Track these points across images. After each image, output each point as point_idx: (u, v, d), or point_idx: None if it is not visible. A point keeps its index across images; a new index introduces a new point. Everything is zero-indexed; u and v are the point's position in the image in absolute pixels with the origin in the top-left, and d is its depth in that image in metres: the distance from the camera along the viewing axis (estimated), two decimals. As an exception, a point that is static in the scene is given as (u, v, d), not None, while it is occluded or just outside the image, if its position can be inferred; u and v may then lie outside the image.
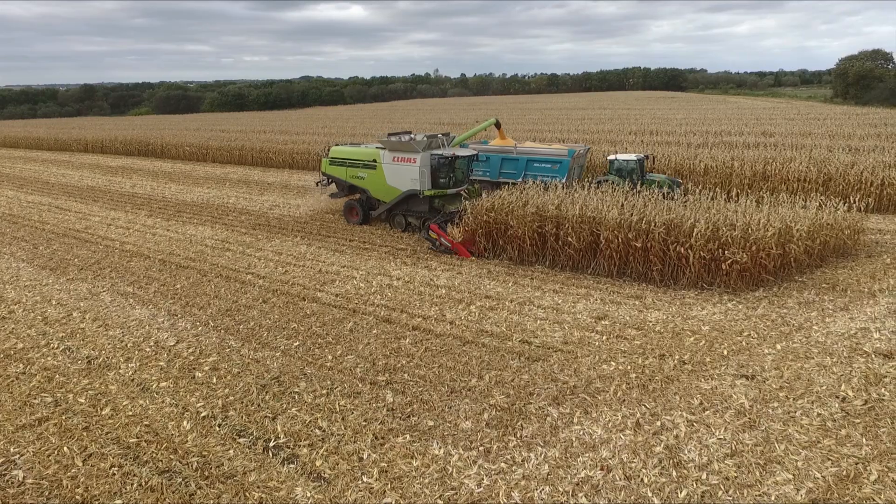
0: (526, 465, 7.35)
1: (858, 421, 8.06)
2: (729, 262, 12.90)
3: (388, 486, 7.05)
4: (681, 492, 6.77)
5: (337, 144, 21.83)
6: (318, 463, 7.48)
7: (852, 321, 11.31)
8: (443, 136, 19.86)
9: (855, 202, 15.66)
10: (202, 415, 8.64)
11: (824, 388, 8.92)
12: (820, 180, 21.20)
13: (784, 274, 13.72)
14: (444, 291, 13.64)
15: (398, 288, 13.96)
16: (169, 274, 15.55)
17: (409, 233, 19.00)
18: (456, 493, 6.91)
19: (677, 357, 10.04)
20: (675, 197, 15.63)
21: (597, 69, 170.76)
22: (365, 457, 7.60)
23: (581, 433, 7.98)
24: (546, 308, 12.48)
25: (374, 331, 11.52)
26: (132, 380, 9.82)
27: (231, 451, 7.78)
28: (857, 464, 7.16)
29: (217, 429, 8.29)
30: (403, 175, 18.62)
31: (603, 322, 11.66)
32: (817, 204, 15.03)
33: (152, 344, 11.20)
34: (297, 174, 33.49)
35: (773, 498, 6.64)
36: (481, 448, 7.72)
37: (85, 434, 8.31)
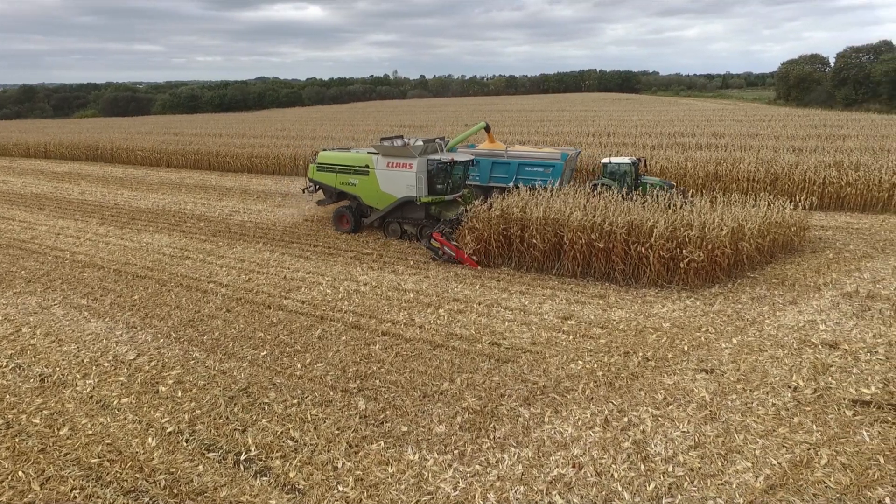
0: (500, 467, 7.47)
1: (809, 409, 8.53)
2: (686, 260, 13.41)
3: (364, 494, 7.04)
4: (649, 485, 7.02)
5: (325, 149, 20.92)
6: (291, 474, 7.39)
7: (800, 314, 11.93)
8: (439, 140, 19.50)
9: (800, 201, 16.50)
10: (168, 430, 8.40)
11: (777, 378, 9.39)
12: (767, 180, 22.25)
13: (737, 270, 14.35)
14: (412, 296, 13.66)
15: (366, 293, 13.90)
16: (125, 284, 15.01)
17: (405, 241, 18.47)
18: (433, 498, 6.96)
19: (641, 354, 10.37)
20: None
21: (553, 71, 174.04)
22: (339, 466, 7.56)
23: (552, 432, 8.16)
24: (513, 309, 12.67)
25: (344, 337, 11.44)
26: (91, 397, 9.45)
27: (200, 467, 7.60)
28: (809, 449, 7.58)
29: (184, 444, 8.08)
30: (398, 181, 18.02)
31: (569, 322, 11.92)
32: (766, 203, 15.76)
33: (111, 358, 10.81)
34: (256, 178, 32.85)
35: (734, 486, 6.96)
36: (456, 451, 7.80)
37: (41, 456, 7.95)
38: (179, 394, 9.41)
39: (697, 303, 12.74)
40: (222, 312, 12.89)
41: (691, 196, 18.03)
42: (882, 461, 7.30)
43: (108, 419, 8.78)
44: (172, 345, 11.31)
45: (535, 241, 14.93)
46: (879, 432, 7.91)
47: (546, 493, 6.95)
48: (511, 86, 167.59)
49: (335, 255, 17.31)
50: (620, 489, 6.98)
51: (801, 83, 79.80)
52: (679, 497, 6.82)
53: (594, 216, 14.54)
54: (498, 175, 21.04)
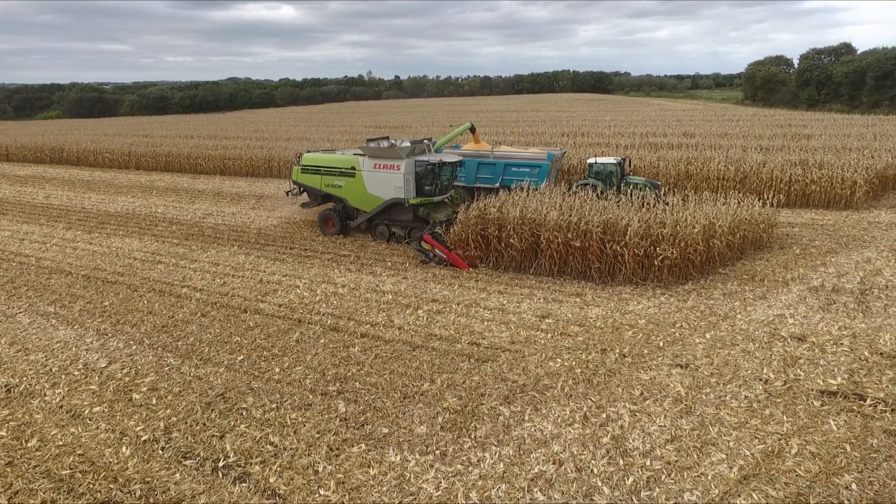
0: (482, 465, 7.50)
1: (779, 400, 8.78)
2: (660, 258, 13.67)
3: (346, 497, 6.99)
4: (628, 479, 7.13)
5: (309, 151, 20.58)
6: (271, 480, 7.30)
7: (770, 308, 12.27)
8: (427, 141, 19.25)
9: (768, 198, 16.97)
10: (143, 439, 8.22)
11: (749, 372, 9.64)
12: (737, 178, 22.82)
13: (709, 267, 14.68)
14: (390, 297, 13.63)
15: (344, 295, 13.81)
16: (95, 290, 14.63)
17: (383, 242, 18.34)
18: (415, 499, 6.96)
19: (618, 350, 10.54)
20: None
21: (527, 72, 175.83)
22: (320, 469, 7.50)
23: (533, 430, 8.23)
24: (492, 309, 12.74)
25: (322, 340, 11.35)
26: (60, 407, 9.18)
27: (177, 475, 7.45)
28: (780, 440, 7.80)
29: (160, 452, 7.92)
30: (386, 183, 17.78)
31: (547, 320, 12.04)
32: (736, 201, 16.16)
33: (81, 367, 10.52)
34: (229, 181, 32.35)
35: (709, 477, 7.13)
36: (437, 452, 7.81)
37: (9, 470, 7.69)
38: (154, 401, 9.21)
39: (672, 299, 13.00)
40: (197, 317, 12.67)
41: (664, 195, 18.41)
42: (848, 449, 7.56)
43: (80, 429, 8.54)
44: (146, 351, 11.06)
45: (512, 240, 15.03)
46: (846, 421, 8.18)
47: (528, 491, 7.01)
48: (486, 86, 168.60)
49: (312, 257, 17.15)
50: (600, 484, 7.08)
51: (767, 84, 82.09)
52: (657, 490, 6.95)
53: (570, 215, 14.72)
54: (484, 176, 20.89)
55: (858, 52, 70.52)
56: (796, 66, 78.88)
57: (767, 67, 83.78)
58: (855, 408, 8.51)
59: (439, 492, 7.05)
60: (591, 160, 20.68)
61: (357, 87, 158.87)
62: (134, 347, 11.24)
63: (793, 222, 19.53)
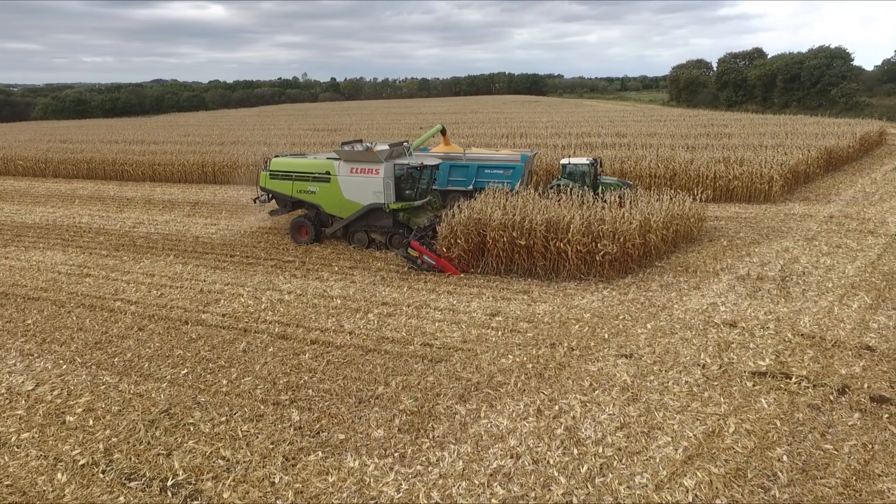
0: (441, 465, 7.56)
1: (716, 383, 9.35)
2: (601, 253, 14.20)
3: (306, 506, 6.86)
4: (582, 467, 7.40)
5: (277, 156, 19.60)
6: (225, 495, 7.05)
7: (703, 298, 13.03)
8: (407, 143, 18.64)
9: (698, 194, 17.98)
10: (80, 463, 7.73)
11: (688, 358, 10.21)
12: (667, 175, 24.02)
13: (646, 261, 15.39)
14: (339, 302, 13.44)
15: (290, 302, 13.50)
16: (14, 308, 13.58)
17: (374, 250, 17.58)
18: (376, 502, 6.92)
19: (566, 344, 10.88)
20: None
21: (464, 74, 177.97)
22: (277, 480, 7.31)
23: (489, 426, 8.37)
24: (443, 310, 12.82)
25: (270, 349, 11.05)
26: (-17, 435, 8.48)
27: (121, 498, 7.07)
28: (718, 420, 8.32)
29: (101, 476, 7.48)
30: (364, 188, 17.08)
31: (497, 318, 12.25)
32: (668, 197, 17.01)
33: (3, 391, 9.76)
34: (160, 187, 30.83)
35: (658, 460, 7.50)
36: (396, 454, 7.80)
37: (-73, 506, 7.05)
38: (91, 422, 8.68)
39: (614, 293, 13.54)
40: (133, 331, 12.02)
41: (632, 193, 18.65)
42: (778, 424, 8.16)
43: (7, 457, 7.94)
44: (78, 370, 10.39)
45: (459, 241, 15.17)
46: (775, 399, 8.83)
47: (488, 486, 7.12)
48: (424, 88, 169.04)
49: (254, 264, 16.64)
50: (556, 474, 7.30)
51: (690, 86, 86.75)
52: (610, 476, 7.24)
53: (514, 215, 15.03)
54: (456, 178, 20.39)
55: (769, 56, 75.86)
56: (715, 68, 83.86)
57: (689, 70, 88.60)
58: (782, 386, 9.20)
59: (400, 494, 7.05)
60: (565, 160, 20.46)
61: (292, 89, 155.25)
62: (64, 367, 10.53)
63: (719, 216, 20.77)
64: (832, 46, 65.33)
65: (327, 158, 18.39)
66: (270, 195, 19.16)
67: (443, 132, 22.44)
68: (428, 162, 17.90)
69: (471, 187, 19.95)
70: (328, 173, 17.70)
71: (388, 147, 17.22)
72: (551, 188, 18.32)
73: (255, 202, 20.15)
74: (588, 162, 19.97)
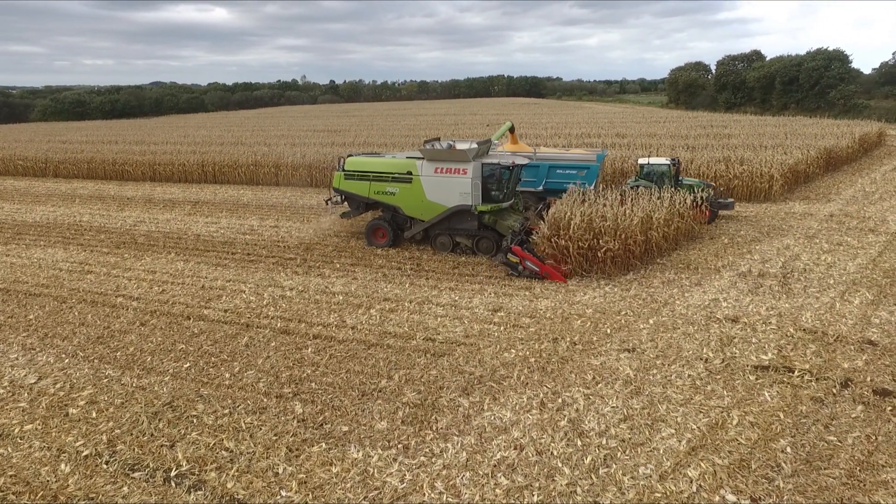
0: (445, 456, 7.55)
1: (719, 377, 9.36)
2: (603, 249, 14.22)
3: (310, 496, 6.85)
4: (586, 458, 7.39)
5: (351, 155, 18.61)
6: (229, 485, 7.04)
7: (705, 294, 13.04)
8: (496, 142, 17.48)
9: (698, 192, 18.00)
10: (84, 454, 7.71)
11: (690, 352, 10.21)
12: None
13: (648, 258, 15.40)
14: (341, 298, 13.44)
15: (292, 298, 13.49)
16: (16, 304, 13.56)
17: (458, 254, 16.59)
18: (380, 493, 6.91)
19: (569, 339, 10.88)
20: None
21: (464, 77, 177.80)
22: (280, 471, 7.30)
23: (492, 418, 8.36)
24: (444, 305, 12.83)
25: (273, 343, 11.05)
26: (-15, 427, 8.46)
27: (125, 489, 7.05)
28: (722, 412, 8.32)
29: (105, 466, 7.46)
30: (450, 188, 16.04)
31: (499, 313, 12.26)
32: (670, 195, 17.02)
33: (6, 384, 9.73)
34: (161, 187, 30.84)
35: (661, 451, 7.50)
36: (400, 445, 7.79)
37: (-70, 497, 7.03)
38: (94, 414, 8.66)
39: (615, 289, 13.55)
40: (136, 327, 12.01)
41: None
42: (782, 416, 8.17)
43: (10, 449, 7.91)
44: (80, 364, 10.37)
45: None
46: (778, 392, 8.83)
47: (491, 476, 7.12)
48: (423, 91, 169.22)
49: (256, 261, 16.64)
50: (560, 465, 7.30)
51: (689, 88, 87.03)
52: (614, 466, 7.24)
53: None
54: (525, 179, 19.11)
55: (767, 59, 76.10)
56: (714, 71, 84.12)
57: (688, 73, 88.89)
58: (785, 379, 9.20)
59: (404, 484, 7.04)
60: (643, 160, 19.62)
61: (291, 91, 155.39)
62: (66, 361, 10.51)
63: (720, 214, 20.78)
64: (830, 49, 65.52)
65: (408, 157, 17.41)
66: (344, 196, 18.18)
67: (511, 130, 21.35)
68: (519, 161, 16.81)
69: (540, 188, 19.04)
70: (410, 173, 16.66)
71: (476, 145, 16.42)
72: (630, 189, 17.38)
73: (326, 203, 19.32)
74: (668, 162, 19.15)
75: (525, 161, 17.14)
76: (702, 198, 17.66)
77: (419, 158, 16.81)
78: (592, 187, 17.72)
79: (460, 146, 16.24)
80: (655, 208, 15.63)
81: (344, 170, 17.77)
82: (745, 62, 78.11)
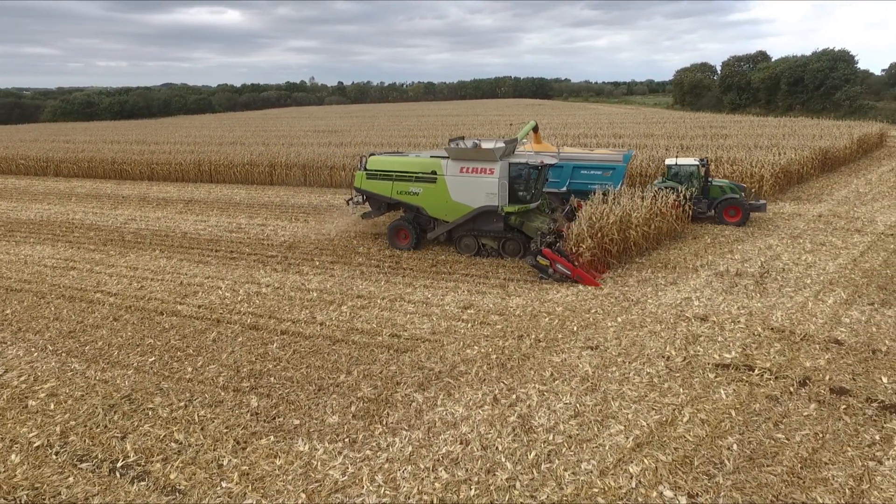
0: (391, 450, 7.58)
1: (678, 375, 9.31)
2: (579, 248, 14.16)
3: (249, 487, 6.91)
4: (530, 454, 7.39)
5: (373, 154, 18.20)
6: (172, 476, 7.11)
7: (679, 293, 12.97)
8: (525, 141, 17.08)
9: (681, 192, 17.90)
10: (35, 445, 7.82)
11: (653, 350, 10.17)
12: (657, 174, 23.91)
13: (626, 257, 15.34)
14: (315, 294, 13.51)
15: (267, 294, 13.58)
16: (-3, 299, 13.76)
17: (483, 257, 16.10)
18: (320, 485, 6.95)
19: (534, 336, 10.87)
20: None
21: (471, 78, 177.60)
22: (225, 463, 7.36)
23: (444, 413, 8.38)
24: (416, 302, 12.86)
25: (240, 339, 11.13)
26: (-53, 418, 8.60)
27: (70, 479, 7.14)
28: (674, 410, 8.28)
29: (54, 457, 7.56)
30: (475, 189, 15.54)
31: (469, 311, 12.27)
32: (651, 194, 16.95)
33: (-26, 376, 9.88)
34: (157, 186, 31.14)
35: (607, 447, 7.48)
36: (347, 439, 7.83)
37: None
38: (52, 406, 8.78)
39: (589, 287, 13.50)
40: (108, 321, 12.15)
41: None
42: (734, 414, 8.12)
43: (-34, 439, 8.03)
44: (48, 357, 10.51)
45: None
46: (734, 390, 8.78)
47: (433, 470, 7.13)
48: (430, 92, 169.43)
49: (238, 258, 16.76)
50: (503, 460, 7.30)
51: (694, 89, 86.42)
52: (556, 462, 7.23)
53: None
54: (549, 179, 18.52)
55: (773, 59, 75.42)
56: (719, 72, 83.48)
57: (694, 74, 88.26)
58: (744, 378, 9.14)
59: (345, 477, 7.07)
60: (670, 161, 19.18)
61: (298, 92, 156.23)
62: (35, 354, 10.66)
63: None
64: (836, 49, 64.86)
65: (432, 157, 16.95)
66: (365, 196, 17.72)
67: (535, 130, 20.86)
68: (547, 160, 16.35)
69: (564, 189, 18.70)
70: (434, 173, 16.14)
71: (503, 144, 15.92)
72: (657, 190, 17.16)
73: (348, 203, 18.74)
74: (696, 162, 18.76)
75: (553, 161, 16.74)
76: (684, 197, 17.54)
77: (444, 157, 16.30)
78: (618, 188, 17.26)
79: (486, 145, 15.79)
80: (634, 207, 15.56)
81: (366, 169, 17.30)
82: (750, 63, 77.47)
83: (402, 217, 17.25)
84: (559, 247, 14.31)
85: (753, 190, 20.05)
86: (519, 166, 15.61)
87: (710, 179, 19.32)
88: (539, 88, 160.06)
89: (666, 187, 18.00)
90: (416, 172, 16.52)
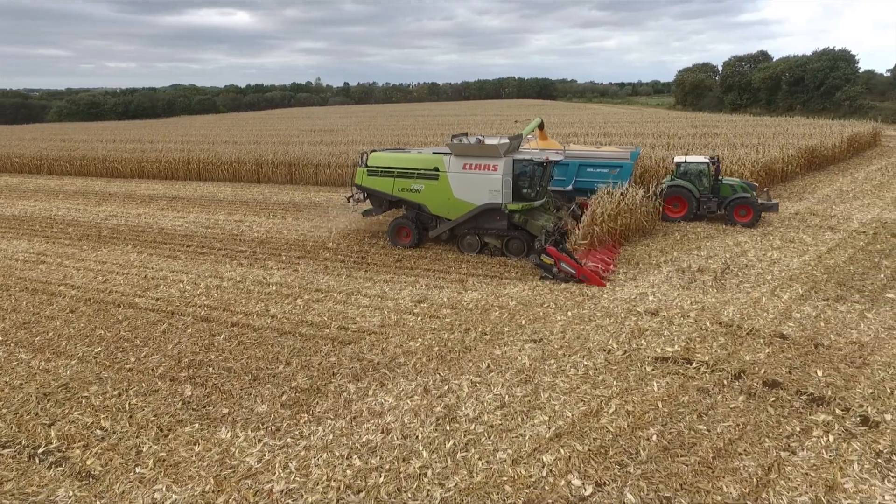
0: (311, 438, 7.61)
1: (615, 367, 9.28)
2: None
3: (162, 473, 6.95)
4: (448, 442, 7.39)
5: (375, 150, 17.72)
6: (88, 462, 7.18)
7: (636, 288, 12.92)
8: (530, 137, 16.75)
9: (650, 190, 17.83)
10: (-36, 431, 7.91)
11: (596, 343, 10.14)
12: (637, 172, 23.78)
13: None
14: (274, 288, 13.58)
15: (226, 288, 13.66)
16: (-37, 292, 13.92)
17: (487, 255, 15.74)
18: (233, 472, 6.98)
19: (480, 329, 10.87)
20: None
21: (476, 79, 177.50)
22: (144, 450, 7.42)
23: (373, 403, 8.40)
24: (372, 296, 12.89)
25: (189, 330, 11.20)
26: None
27: (-10, 463, 7.22)
28: (602, 401, 8.26)
29: (-21, 443, 7.65)
30: (479, 186, 15.20)
31: (422, 305, 12.28)
32: (620, 192, 16.88)
33: (-77, 366, 10.01)
34: (145, 183, 31.36)
35: (526, 437, 7.47)
36: (271, 427, 7.86)
37: None
38: (-12, 394, 8.88)
39: (547, 282, 13.48)
40: (64, 313, 12.26)
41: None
42: (660, 406, 8.08)
43: None
44: (-3, 347, 10.63)
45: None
46: (667, 383, 8.74)
47: (347, 458, 7.15)
48: (434, 93, 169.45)
49: (207, 253, 16.87)
50: (420, 448, 7.31)
51: (695, 89, 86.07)
52: (472, 451, 7.23)
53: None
54: (554, 178, 18.05)
55: (774, 59, 74.99)
56: (720, 72, 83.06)
57: (695, 74, 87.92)
58: (680, 370, 9.10)
59: (259, 464, 7.11)
60: (679, 159, 18.91)
61: (303, 93, 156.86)
62: (-15, 344, 10.78)
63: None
64: (836, 49, 64.36)
65: (434, 153, 16.52)
66: (366, 194, 17.36)
67: (540, 126, 20.49)
68: (553, 157, 16.00)
69: (569, 187, 18.46)
70: (437, 169, 15.78)
71: (507, 140, 15.60)
72: (664, 189, 16.92)
73: (348, 201, 18.26)
74: (706, 160, 18.55)
75: (559, 158, 16.15)
76: (654, 194, 17.47)
77: (447, 154, 15.96)
78: (626, 186, 17.03)
79: (489, 142, 15.46)
80: (599, 204, 15.52)
81: (367, 165, 16.95)
82: (751, 63, 77.03)
83: (404, 215, 16.92)
84: (564, 246, 14.08)
85: (766, 189, 19.77)
86: (523, 163, 15.24)
87: (720, 178, 18.96)
88: (543, 89, 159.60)
89: (674, 185, 17.74)
90: (418, 169, 16.14)
